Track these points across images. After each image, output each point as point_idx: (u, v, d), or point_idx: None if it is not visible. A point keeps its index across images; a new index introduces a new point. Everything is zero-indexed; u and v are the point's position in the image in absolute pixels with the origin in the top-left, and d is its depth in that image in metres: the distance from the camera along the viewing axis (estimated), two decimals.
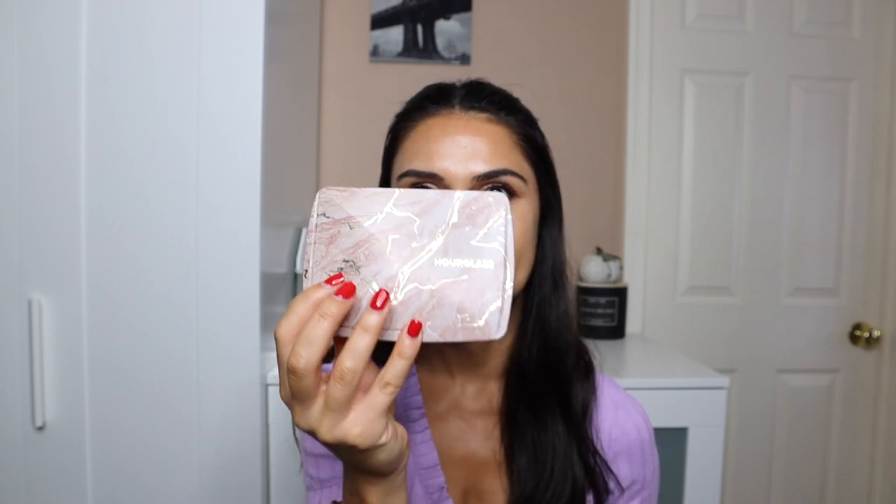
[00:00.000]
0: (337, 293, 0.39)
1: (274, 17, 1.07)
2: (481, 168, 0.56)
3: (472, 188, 0.56)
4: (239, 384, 1.03)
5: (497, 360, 0.65)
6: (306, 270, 0.41)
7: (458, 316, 0.40)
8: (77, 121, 0.99)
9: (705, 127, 1.74)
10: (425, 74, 1.68)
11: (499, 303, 0.41)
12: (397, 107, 0.65)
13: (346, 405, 0.39)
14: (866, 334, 1.76)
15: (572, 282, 1.63)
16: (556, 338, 0.63)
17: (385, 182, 0.65)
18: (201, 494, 1.04)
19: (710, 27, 1.72)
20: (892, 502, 1.77)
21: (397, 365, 0.39)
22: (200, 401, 1.03)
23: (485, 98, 0.60)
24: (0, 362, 1.00)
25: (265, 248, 1.06)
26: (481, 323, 0.40)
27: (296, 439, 0.69)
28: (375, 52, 1.65)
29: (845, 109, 1.76)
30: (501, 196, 0.42)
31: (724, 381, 1.22)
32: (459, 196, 0.41)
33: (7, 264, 0.99)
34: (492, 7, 1.68)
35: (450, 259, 0.40)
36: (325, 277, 0.40)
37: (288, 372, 0.39)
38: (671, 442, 1.21)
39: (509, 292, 0.41)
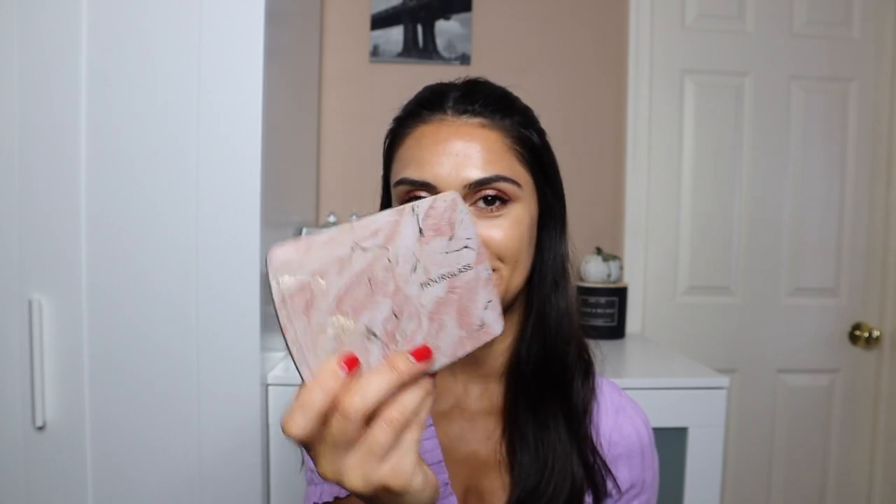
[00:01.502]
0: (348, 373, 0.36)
1: (274, 17, 1.07)
2: (474, 175, 0.56)
3: (466, 196, 0.56)
4: (239, 384, 1.03)
5: (499, 360, 0.65)
6: (292, 351, 0.36)
7: (461, 330, 0.40)
8: (77, 121, 0.99)
9: (705, 127, 1.74)
10: (425, 75, 1.68)
11: (489, 297, 0.40)
12: (397, 107, 0.65)
13: (386, 449, 0.37)
14: (866, 334, 1.76)
15: (572, 281, 1.63)
16: (556, 337, 0.63)
17: (386, 183, 0.65)
18: (201, 494, 1.04)
19: (710, 27, 1.72)
20: (891, 502, 1.77)
21: (419, 397, 0.37)
22: (200, 401, 1.03)
23: (478, 101, 0.59)
24: (0, 362, 1.00)
25: (265, 248, 1.06)
26: (482, 325, 0.40)
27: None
28: (375, 53, 1.65)
29: (845, 109, 1.76)
30: (451, 195, 0.40)
31: (724, 381, 1.22)
32: (416, 211, 0.38)
33: (7, 264, 0.99)
34: (492, 7, 1.68)
35: (434, 277, 0.39)
36: (323, 356, 0.36)
37: (338, 413, 0.35)
38: (671, 442, 1.21)
39: (494, 281, 0.41)
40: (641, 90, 1.71)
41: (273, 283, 0.35)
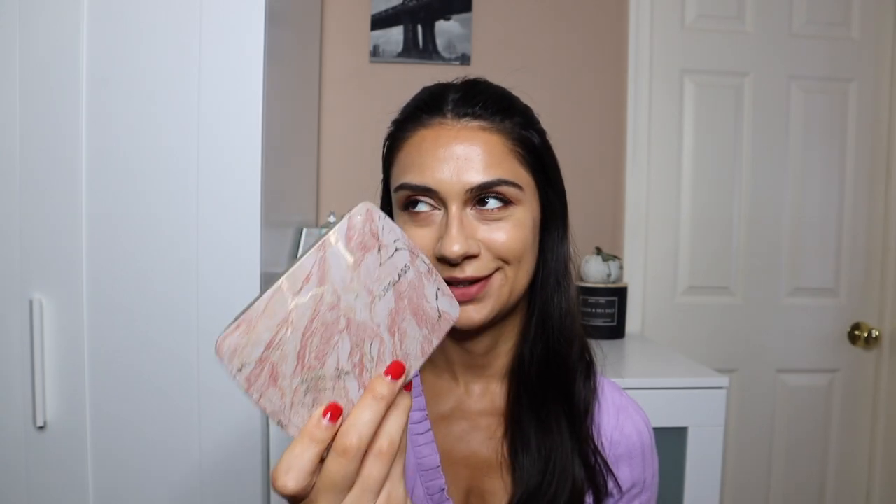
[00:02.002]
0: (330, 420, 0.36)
1: (274, 18, 1.07)
2: (475, 179, 0.55)
3: (466, 201, 0.56)
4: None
5: (501, 361, 0.65)
6: (275, 421, 0.36)
7: (423, 329, 0.40)
8: (78, 121, 0.99)
9: (705, 127, 1.74)
10: (425, 75, 1.67)
11: (436, 287, 0.41)
12: (396, 109, 0.64)
13: (382, 482, 0.37)
14: (865, 334, 1.76)
15: (574, 281, 1.64)
16: (559, 338, 0.63)
17: (386, 187, 0.65)
18: (202, 494, 1.04)
19: (709, 27, 1.73)
20: (891, 501, 1.77)
21: (402, 420, 0.37)
22: (200, 400, 1.03)
23: (478, 103, 0.58)
24: (1, 362, 1.00)
25: (265, 248, 1.06)
26: (440, 315, 0.41)
27: None
28: (375, 53, 1.65)
29: (845, 110, 1.77)
30: (363, 207, 0.39)
31: (723, 380, 1.22)
32: (336, 241, 0.37)
33: (8, 264, 0.99)
34: (492, 7, 1.68)
35: (378, 293, 0.39)
36: (305, 412, 0.36)
37: (336, 455, 0.35)
38: (671, 442, 1.21)
39: (434, 268, 0.42)
40: (641, 90, 1.71)
41: (231, 375, 0.35)
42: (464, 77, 0.64)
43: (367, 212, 0.38)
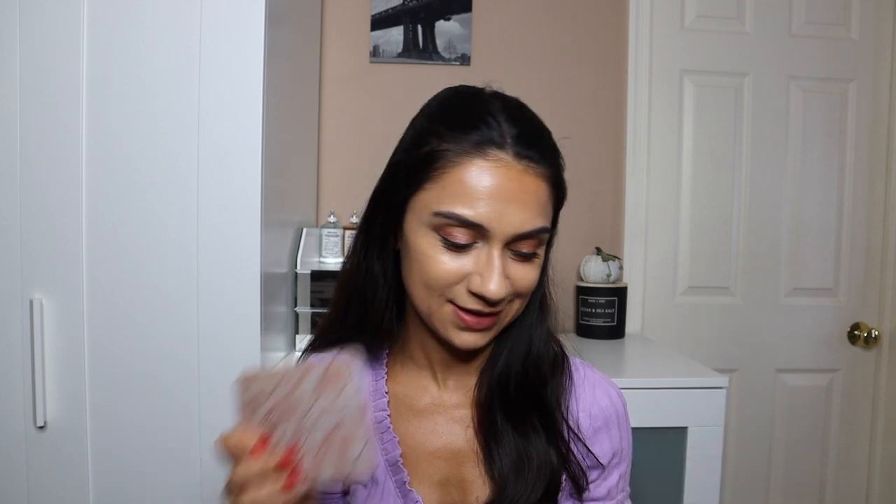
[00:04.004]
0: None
1: (274, 18, 1.07)
2: (526, 227, 0.56)
3: (508, 242, 0.57)
4: None
5: (479, 360, 0.68)
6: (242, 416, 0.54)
7: (332, 464, 0.51)
8: (78, 121, 0.99)
9: (705, 127, 1.74)
10: (425, 75, 1.68)
11: (364, 440, 0.50)
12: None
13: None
14: (865, 334, 1.76)
15: (572, 281, 1.64)
16: (538, 354, 0.66)
17: (391, 184, 0.62)
18: (202, 494, 1.04)
19: (709, 28, 1.73)
20: (890, 500, 1.77)
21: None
22: (201, 400, 1.03)
23: (535, 147, 0.58)
24: (1, 362, 1.00)
25: (265, 248, 1.06)
26: (355, 462, 0.50)
27: None
28: (375, 53, 1.65)
29: (844, 110, 1.77)
30: (347, 360, 0.50)
31: (723, 380, 1.22)
32: (313, 373, 0.51)
33: (8, 264, 1.00)
34: (492, 7, 1.68)
35: (324, 415, 0.51)
36: (255, 424, 0.53)
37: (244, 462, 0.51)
38: (671, 442, 1.21)
39: (370, 437, 0.51)
40: (641, 91, 1.71)
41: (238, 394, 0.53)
42: (499, 89, 0.63)
43: (348, 364, 0.50)
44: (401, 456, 0.65)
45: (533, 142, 0.58)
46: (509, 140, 0.57)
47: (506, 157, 0.56)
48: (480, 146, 0.56)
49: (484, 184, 0.55)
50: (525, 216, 0.56)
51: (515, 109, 0.61)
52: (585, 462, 0.65)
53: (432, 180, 0.57)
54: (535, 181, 0.57)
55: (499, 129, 0.57)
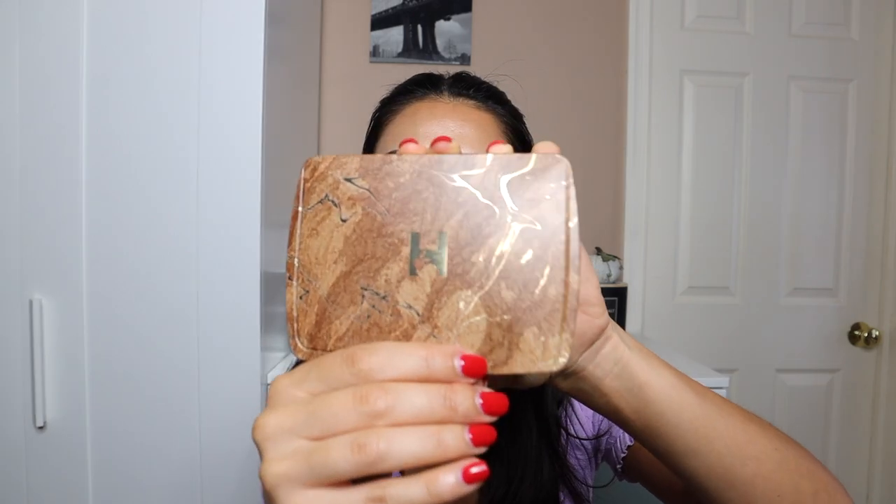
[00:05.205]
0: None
1: (274, 18, 1.07)
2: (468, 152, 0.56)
3: None
4: (239, 384, 1.03)
5: None
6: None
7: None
8: (78, 121, 0.99)
9: (705, 127, 1.74)
10: None
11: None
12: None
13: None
14: (865, 334, 1.76)
15: None
16: None
17: None
18: (202, 494, 1.04)
19: (709, 28, 1.73)
20: (890, 500, 1.77)
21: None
22: (200, 400, 1.03)
23: (472, 87, 0.60)
24: (1, 362, 1.00)
25: (265, 248, 1.06)
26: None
27: None
28: (375, 53, 1.65)
29: (844, 110, 1.77)
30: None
31: (723, 381, 1.22)
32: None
33: (8, 265, 0.99)
34: (492, 7, 1.68)
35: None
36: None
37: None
38: None
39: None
40: (641, 91, 1.71)
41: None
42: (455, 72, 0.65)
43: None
44: None
45: (470, 84, 0.60)
46: (446, 85, 0.59)
47: (441, 94, 0.59)
48: (418, 94, 0.59)
49: (420, 117, 0.57)
50: (466, 143, 0.54)
51: (462, 72, 0.63)
52: (586, 472, 0.63)
53: (382, 135, 0.59)
54: (475, 112, 0.58)
55: (438, 82, 0.60)
